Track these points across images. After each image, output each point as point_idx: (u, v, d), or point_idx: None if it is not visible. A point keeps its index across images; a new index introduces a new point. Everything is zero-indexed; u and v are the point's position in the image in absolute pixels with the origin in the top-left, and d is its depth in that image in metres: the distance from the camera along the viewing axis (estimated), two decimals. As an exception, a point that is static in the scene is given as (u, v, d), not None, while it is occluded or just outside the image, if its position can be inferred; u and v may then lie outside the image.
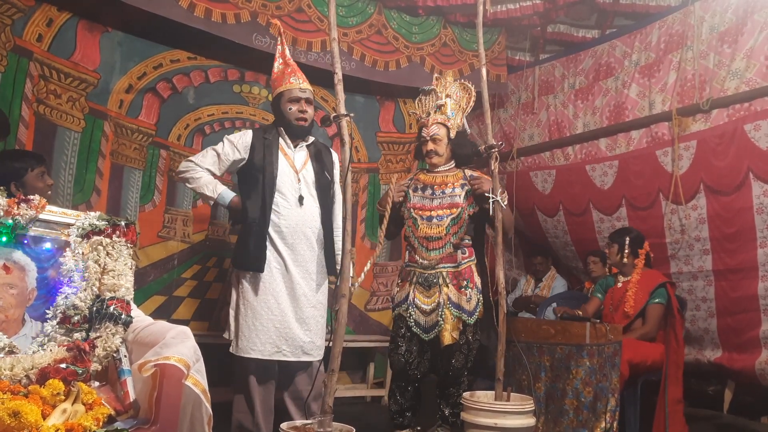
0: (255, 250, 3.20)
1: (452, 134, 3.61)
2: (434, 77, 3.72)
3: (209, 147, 3.40)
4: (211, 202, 3.34)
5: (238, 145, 3.32)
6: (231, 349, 3.23)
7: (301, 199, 3.29)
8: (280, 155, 3.33)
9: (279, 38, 3.47)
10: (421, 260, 3.52)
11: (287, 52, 3.47)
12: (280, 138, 3.37)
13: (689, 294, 4.45)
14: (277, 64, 3.41)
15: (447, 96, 3.62)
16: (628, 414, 3.72)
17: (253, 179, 3.27)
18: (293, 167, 3.34)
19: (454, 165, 3.66)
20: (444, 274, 3.48)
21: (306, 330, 3.23)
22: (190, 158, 3.36)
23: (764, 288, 3.98)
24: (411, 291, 3.51)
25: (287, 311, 3.20)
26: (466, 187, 3.56)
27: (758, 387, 4.08)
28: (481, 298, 3.53)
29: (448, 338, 3.41)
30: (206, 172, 3.29)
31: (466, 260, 3.54)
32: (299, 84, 3.35)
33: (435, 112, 3.60)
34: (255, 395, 3.17)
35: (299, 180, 3.32)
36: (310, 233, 3.30)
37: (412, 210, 3.59)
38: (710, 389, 4.67)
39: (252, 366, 3.19)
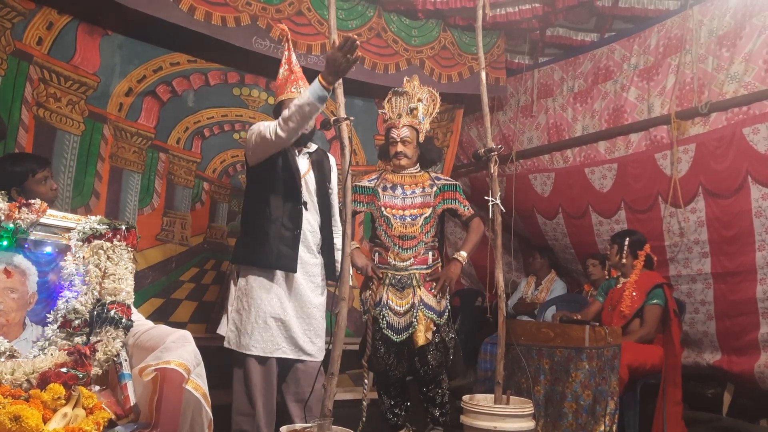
0: (287, 250, 3.18)
1: (421, 138, 3.65)
2: (404, 80, 3.73)
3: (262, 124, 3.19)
4: (313, 107, 2.95)
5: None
6: (227, 344, 3.22)
7: (305, 204, 3.29)
8: (291, 158, 3.32)
9: (286, 44, 3.45)
10: (393, 261, 3.55)
11: (293, 57, 3.45)
12: None
13: (688, 297, 4.46)
14: (282, 71, 3.39)
15: (419, 100, 3.66)
16: (628, 417, 3.72)
17: (275, 175, 3.24)
18: (296, 171, 3.34)
19: (419, 167, 3.71)
20: (417, 275, 3.54)
21: (307, 330, 3.24)
22: (264, 123, 3.15)
23: (763, 291, 3.99)
24: (384, 293, 3.53)
25: (289, 311, 3.21)
26: (434, 188, 3.62)
27: (757, 390, 4.08)
28: (448, 298, 3.62)
29: (422, 339, 3.45)
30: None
31: (435, 261, 3.63)
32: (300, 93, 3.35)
33: (407, 114, 3.63)
34: (257, 397, 3.16)
35: (302, 186, 3.33)
36: (311, 237, 3.31)
37: (384, 209, 3.62)
38: (709, 392, 4.67)
39: (254, 367, 3.17)
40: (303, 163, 3.40)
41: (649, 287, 3.97)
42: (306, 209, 3.30)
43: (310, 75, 3.54)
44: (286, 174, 3.25)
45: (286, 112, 3.00)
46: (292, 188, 3.24)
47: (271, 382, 3.23)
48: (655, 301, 3.93)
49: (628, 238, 4.16)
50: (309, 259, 3.31)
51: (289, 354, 3.20)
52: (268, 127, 3.09)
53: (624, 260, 4.12)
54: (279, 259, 3.18)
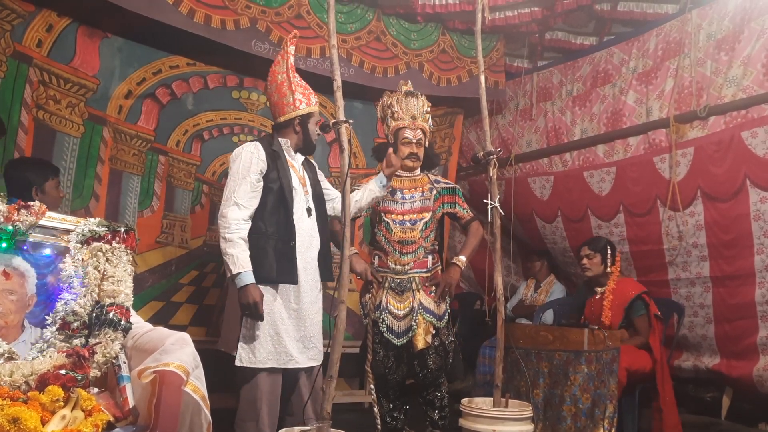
0: (286, 263, 3.13)
1: (426, 142, 3.65)
2: (408, 83, 3.73)
3: (238, 180, 3.12)
4: (228, 275, 3.12)
5: (259, 157, 3.19)
6: (239, 362, 3.12)
7: (309, 210, 3.27)
8: (288, 167, 3.29)
9: (285, 48, 3.39)
10: (393, 265, 3.55)
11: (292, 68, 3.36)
12: (284, 150, 3.32)
13: (687, 300, 4.46)
14: (298, 79, 3.31)
15: (428, 104, 3.67)
16: (626, 421, 3.72)
17: (268, 190, 3.18)
18: (300, 179, 3.31)
19: (419, 170, 3.71)
20: (417, 279, 3.54)
21: (312, 336, 3.22)
22: (225, 213, 3.10)
23: (761, 295, 3.99)
24: (384, 296, 3.53)
25: (296, 320, 3.18)
26: (434, 192, 3.62)
27: (756, 394, 4.08)
28: (448, 302, 3.63)
29: (421, 342, 3.46)
30: (241, 240, 3.08)
31: (434, 265, 3.62)
32: (317, 107, 3.34)
33: (420, 117, 3.62)
34: (263, 404, 3.13)
35: (306, 192, 3.30)
36: (316, 243, 3.29)
37: (383, 214, 3.62)
38: (708, 396, 4.68)
39: (263, 378, 3.15)
40: (302, 170, 3.38)
41: (628, 297, 3.96)
42: (309, 215, 3.28)
43: (308, 79, 3.54)
44: (278, 187, 3.19)
45: (227, 250, 3.05)
46: (285, 200, 3.19)
47: (278, 389, 3.21)
48: (641, 312, 3.94)
49: (608, 246, 4.15)
50: (314, 264, 3.28)
51: (301, 364, 3.17)
52: (224, 226, 3.09)
53: (609, 269, 4.12)
54: (280, 274, 3.15)
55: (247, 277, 3.03)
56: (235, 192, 3.11)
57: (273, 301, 3.14)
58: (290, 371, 3.21)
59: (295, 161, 3.35)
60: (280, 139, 3.31)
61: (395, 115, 3.65)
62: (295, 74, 3.30)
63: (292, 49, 3.32)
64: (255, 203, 3.13)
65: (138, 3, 3.86)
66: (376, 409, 3.48)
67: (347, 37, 4.85)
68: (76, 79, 3.97)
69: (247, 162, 3.15)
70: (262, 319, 3.07)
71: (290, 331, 3.16)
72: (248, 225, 3.11)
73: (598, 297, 4.12)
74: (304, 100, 3.27)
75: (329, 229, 3.46)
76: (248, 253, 3.08)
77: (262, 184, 3.17)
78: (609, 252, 4.13)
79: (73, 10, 3.91)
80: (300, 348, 3.17)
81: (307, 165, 3.44)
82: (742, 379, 4.11)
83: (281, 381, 3.22)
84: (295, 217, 3.19)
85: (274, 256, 3.13)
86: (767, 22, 3.95)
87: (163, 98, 4.43)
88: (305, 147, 3.35)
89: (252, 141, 3.31)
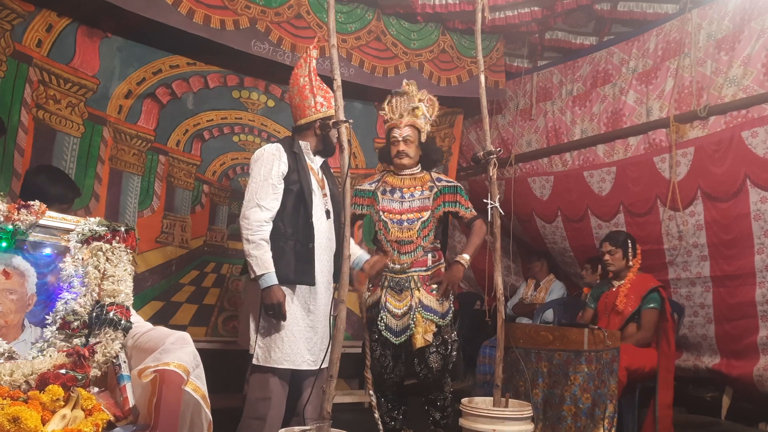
0: (304, 265, 3.13)
1: (423, 138, 3.64)
2: (403, 82, 3.72)
3: (260, 181, 3.11)
4: (252, 276, 3.09)
5: (281, 159, 3.17)
6: (256, 361, 3.11)
7: (327, 213, 3.26)
8: (308, 169, 3.28)
9: (306, 54, 3.37)
10: (392, 264, 3.55)
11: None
12: (304, 152, 3.31)
13: (687, 300, 4.46)
14: (319, 83, 3.29)
15: (419, 100, 3.65)
16: (626, 420, 3.72)
17: (288, 191, 3.17)
18: (319, 182, 3.30)
19: (420, 168, 3.70)
20: (415, 277, 3.53)
21: (323, 338, 3.21)
22: (247, 215, 3.07)
23: (761, 294, 3.99)
24: (383, 295, 3.53)
25: (312, 321, 3.17)
26: (434, 190, 3.61)
27: (756, 393, 4.08)
28: (452, 300, 3.61)
29: (420, 341, 3.44)
30: (263, 242, 3.06)
31: (435, 263, 3.61)
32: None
33: (408, 114, 3.62)
34: (272, 403, 3.13)
35: (325, 195, 3.29)
36: (332, 245, 3.28)
37: (381, 213, 3.62)
38: (708, 395, 4.68)
39: (277, 379, 3.14)
40: (320, 173, 3.36)
41: (645, 290, 3.96)
42: (328, 218, 3.27)
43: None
44: (298, 189, 3.17)
45: (251, 251, 3.03)
46: (305, 202, 3.17)
47: (286, 389, 3.21)
48: (652, 305, 3.93)
49: (629, 241, 4.16)
50: (329, 266, 3.27)
51: (313, 365, 3.16)
52: (247, 228, 3.07)
53: (630, 263, 4.12)
54: (297, 275, 3.13)
55: (271, 278, 3.02)
56: (257, 194, 3.10)
57: (290, 302, 3.12)
58: (300, 372, 3.21)
59: (314, 164, 3.33)
60: (300, 142, 3.29)
61: (386, 115, 3.70)
62: (317, 78, 3.27)
63: (315, 53, 3.31)
64: (276, 205, 3.12)
65: (138, 3, 3.86)
66: (377, 415, 3.46)
67: (347, 37, 4.85)
68: (76, 78, 3.98)
69: (269, 164, 3.14)
70: (285, 319, 3.06)
71: (305, 333, 3.15)
72: (270, 226, 3.10)
73: (614, 289, 4.13)
74: (325, 104, 3.26)
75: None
76: (270, 254, 3.07)
77: (283, 186, 3.15)
78: (630, 245, 4.13)
79: (73, 10, 3.91)
80: (313, 350, 3.17)
81: (325, 168, 3.43)
82: (742, 379, 4.11)
83: (288, 382, 3.21)
84: (314, 219, 3.18)
85: (292, 256, 3.13)
86: (767, 22, 3.95)
87: (163, 98, 4.43)
88: (325, 149, 3.33)
89: (274, 143, 3.28)
